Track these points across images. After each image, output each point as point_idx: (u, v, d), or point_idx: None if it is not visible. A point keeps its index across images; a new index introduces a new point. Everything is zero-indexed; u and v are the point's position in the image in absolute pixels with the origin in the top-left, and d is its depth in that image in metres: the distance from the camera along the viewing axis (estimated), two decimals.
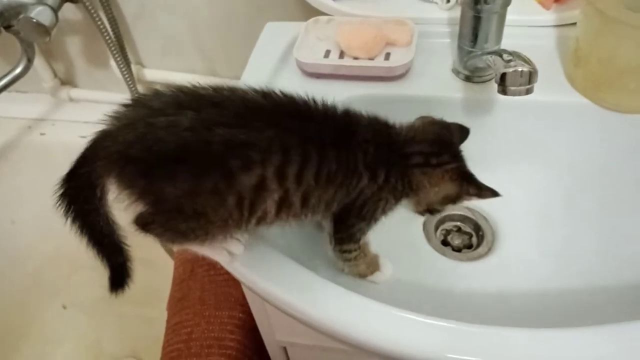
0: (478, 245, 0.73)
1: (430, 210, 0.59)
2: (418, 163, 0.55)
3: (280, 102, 0.51)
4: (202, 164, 0.47)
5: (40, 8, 0.87)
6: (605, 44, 0.63)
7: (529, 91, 0.54)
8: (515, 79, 0.53)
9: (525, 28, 0.74)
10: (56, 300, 1.53)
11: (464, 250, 0.73)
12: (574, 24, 0.72)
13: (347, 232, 0.57)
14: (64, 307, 1.53)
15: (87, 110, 1.27)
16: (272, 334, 0.78)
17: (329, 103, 0.53)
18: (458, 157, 0.57)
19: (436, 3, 0.79)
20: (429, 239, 0.74)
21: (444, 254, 0.72)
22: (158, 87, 1.17)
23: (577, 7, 0.73)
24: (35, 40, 0.88)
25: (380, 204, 0.56)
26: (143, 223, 0.52)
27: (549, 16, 0.75)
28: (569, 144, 0.71)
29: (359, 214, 0.56)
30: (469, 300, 0.67)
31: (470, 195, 0.57)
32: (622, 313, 0.54)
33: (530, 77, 0.53)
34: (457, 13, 0.77)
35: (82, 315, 1.51)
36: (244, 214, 0.49)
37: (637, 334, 0.48)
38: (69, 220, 0.54)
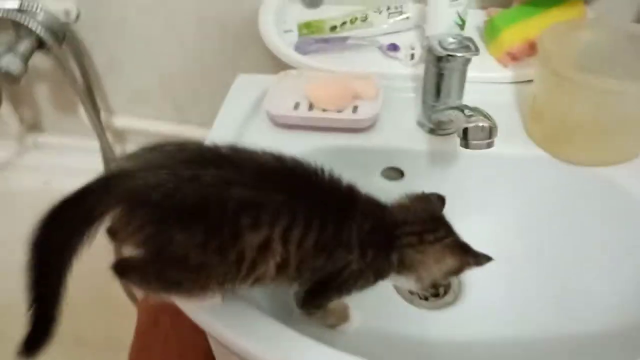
0: (445, 293, 0.74)
1: (434, 286, 0.61)
2: (411, 243, 0.56)
3: (292, 168, 0.53)
4: (217, 220, 0.48)
5: (9, 57, 0.87)
6: (559, 101, 0.66)
7: (489, 145, 0.56)
8: (476, 134, 0.56)
9: (486, 84, 0.78)
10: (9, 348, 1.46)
11: (430, 299, 0.74)
12: (530, 81, 0.76)
13: (319, 302, 0.59)
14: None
15: (53, 156, 1.25)
16: None
17: (334, 175, 0.55)
18: (452, 231, 0.59)
19: (400, 60, 0.83)
20: (396, 288, 0.74)
21: (411, 302, 0.73)
22: (127, 135, 1.19)
23: (532, 66, 0.78)
24: (3, 87, 0.87)
25: (360, 281, 0.57)
26: (125, 268, 0.51)
27: (508, 73, 0.79)
28: (529, 193, 0.73)
29: (337, 286, 0.56)
30: (435, 350, 0.67)
31: (470, 265, 0.58)
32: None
33: (491, 131, 0.55)
34: (420, 70, 0.81)
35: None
36: (243, 271, 0.50)
37: None
38: (33, 244, 0.50)
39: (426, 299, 0.74)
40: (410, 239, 0.56)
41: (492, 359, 0.66)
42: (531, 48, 0.79)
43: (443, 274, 0.58)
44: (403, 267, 0.57)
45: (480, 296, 0.72)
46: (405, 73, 0.82)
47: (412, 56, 0.82)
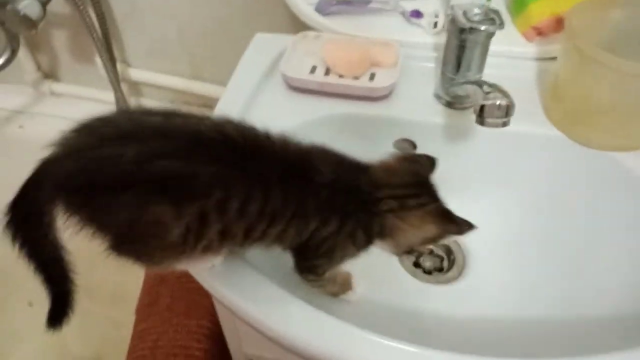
0: (449, 268, 0.74)
1: (409, 252, 0.59)
2: (392, 208, 0.54)
3: (232, 136, 0.50)
4: (141, 195, 0.47)
5: (28, 1, 0.86)
6: (583, 82, 0.64)
7: (505, 124, 0.55)
8: (493, 111, 0.54)
9: (507, 59, 0.76)
10: (22, 296, 1.50)
11: (434, 273, 0.74)
12: (554, 58, 0.74)
13: (307, 266, 0.57)
14: (30, 304, 1.50)
15: (69, 105, 1.26)
16: (239, 346, 0.78)
17: (292, 141, 0.53)
18: (435, 196, 0.56)
19: (423, 27, 0.80)
20: (401, 259, 0.74)
21: (415, 275, 0.73)
22: (143, 88, 1.18)
23: (558, 42, 0.75)
24: (21, 33, 0.87)
25: (337, 249, 0.55)
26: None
27: (531, 49, 0.77)
28: (542, 174, 0.72)
29: (315, 253, 0.55)
30: (435, 324, 0.68)
31: (450, 233, 0.56)
32: (587, 345, 0.55)
33: (508, 110, 0.54)
34: (442, 39, 0.79)
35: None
36: (190, 242, 0.49)
37: None
38: (17, 246, 0.53)
39: (430, 272, 0.74)
40: (390, 204, 0.54)
41: (492, 337, 0.66)
42: (558, 24, 0.76)
43: (421, 241, 0.56)
44: (383, 232, 0.55)
45: (484, 273, 0.72)
46: (427, 42, 0.79)
47: (435, 24, 0.79)
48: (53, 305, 0.59)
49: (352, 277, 0.65)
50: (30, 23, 0.86)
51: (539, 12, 0.75)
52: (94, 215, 0.49)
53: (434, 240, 0.57)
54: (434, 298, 0.71)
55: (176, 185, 0.46)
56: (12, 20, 0.87)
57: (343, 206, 0.52)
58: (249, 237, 0.50)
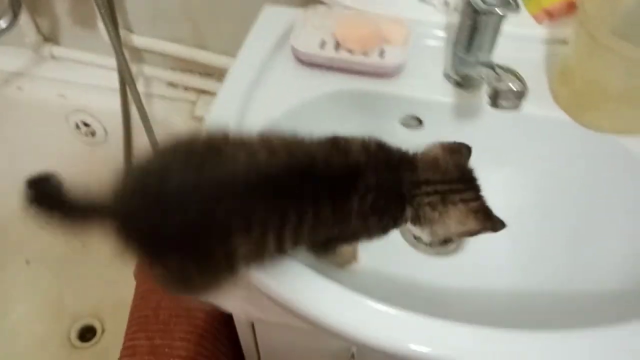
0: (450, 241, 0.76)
1: (443, 240, 0.61)
2: (432, 202, 0.56)
3: (285, 166, 0.50)
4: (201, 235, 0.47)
5: None
6: (593, 67, 0.65)
7: (517, 107, 0.56)
8: (506, 95, 0.55)
9: (517, 40, 0.76)
10: (20, 255, 1.51)
11: (434, 245, 0.76)
12: (564, 41, 0.75)
13: (327, 248, 0.60)
14: (27, 262, 1.52)
15: (69, 69, 1.24)
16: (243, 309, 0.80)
17: (338, 141, 0.54)
18: (478, 192, 0.58)
19: (434, 6, 0.80)
20: (402, 231, 0.76)
21: (415, 247, 0.75)
22: (145, 54, 1.17)
23: (568, 26, 0.76)
24: None
25: (365, 234, 0.57)
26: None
27: (541, 31, 0.77)
28: (546, 155, 0.73)
29: (348, 240, 0.58)
30: (435, 294, 0.70)
31: (487, 229, 0.58)
32: (587, 318, 0.57)
33: (521, 95, 0.55)
34: (454, 18, 0.79)
35: (46, 271, 1.50)
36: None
37: (601, 340, 0.51)
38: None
39: (430, 244, 0.76)
40: (432, 198, 0.56)
41: (491, 308, 0.68)
42: (569, 7, 0.76)
43: (459, 233, 0.59)
44: (417, 221, 0.57)
45: (484, 247, 0.74)
46: (438, 20, 0.79)
47: (447, 3, 0.79)
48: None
49: (358, 249, 0.66)
50: None
51: None
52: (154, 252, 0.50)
53: (470, 234, 0.59)
54: (434, 269, 0.73)
55: (235, 221, 0.47)
56: None
57: (383, 208, 0.54)
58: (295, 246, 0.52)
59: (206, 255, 0.48)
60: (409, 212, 0.56)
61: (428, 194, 0.56)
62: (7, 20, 0.98)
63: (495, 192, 0.74)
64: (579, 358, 0.51)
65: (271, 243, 0.49)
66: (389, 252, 0.73)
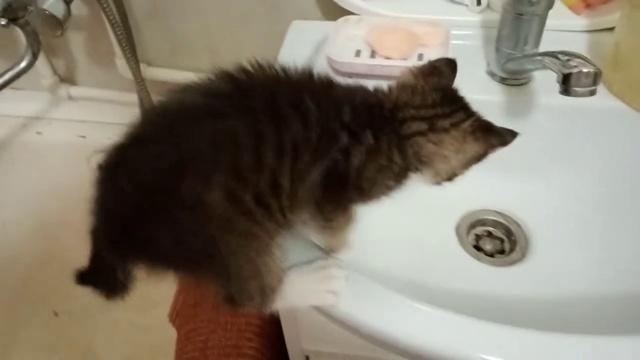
0: (511, 250, 0.72)
1: (450, 178, 0.52)
2: (420, 131, 0.48)
3: (211, 86, 0.46)
4: (160, 209, 0.44)
5: (52, 0, 0.83)
6: None
7: (592, 93, 0.53)
8: (579, 80, 0.52)
9: (558, 32, 0.74)
10: (47, 306, 1.47)
11: (496, 256, 0.72)
12: (606, 29, 0.73)
13: (337, 198, 0.50)
14: (55, 314, 1.48)
15: (87, 108, 1.23)
16: (298, 342, 0.76)
17: (279, 66, 0.48)
18: (469, 110, 0.51)
19: (466, 5, 0.78)
20: (462, 243, 0.72)
21: (478, 258, 0.71)
22: (164, 87, 1.15)
23: (608, 13, 0.74)
24: (46, 34, 0.84)
25: (379, 175, 0.49)
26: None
27: (581, 21, 0.75)
28: (604, 149, 0.70)
29: (355, 184, 0.48)
30: (505, 306, 0.66)
31: (494, 147, 0.50)
32: None
33: (595, 77, 0.52)
34: (487, 16, 0.77)
35: (74, 322, 1.46)
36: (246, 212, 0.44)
37: None
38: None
39: (492, 255, 0.72)
40: (418, 126, 0.49)
41: (560, 317, 0.64)
42: None
43: (464, 163, 0.51)
44: (418, 161, 0.49)
45: (548, 252, 0.70)
46: (471, 19, 0.78)
47: (479, 2, 0.77)
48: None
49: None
50: (55, 23, 0.83)
51: None
52: (149, 254, 0.48)
53: (478, 159, 0.51)
54: (500, 280, 0.69)
55: (181, 172, 0.42)
56: (36, 21, 0.84)
57: (370, 121, 0.47)
58: (295, 185, 0.45)
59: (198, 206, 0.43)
60: (408, 147, 0.49)
61: (410, 120, 0.49)
62: (27, 61, 0.97)
63: (552, 192, 0.71)
64: None
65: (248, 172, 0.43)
66: (450, 265, 0.70)
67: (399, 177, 0.50)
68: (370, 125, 0.47)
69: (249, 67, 0.47)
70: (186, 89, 0.47)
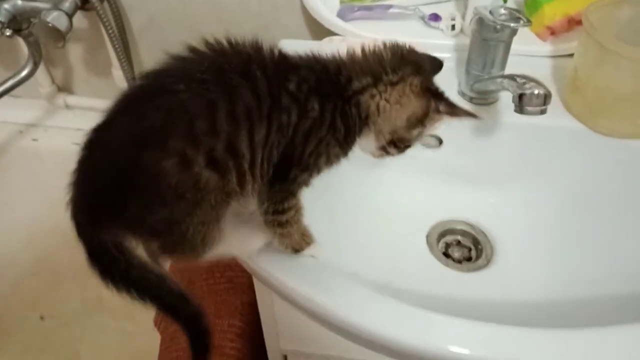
0: (477, 257, 0.77)
1: (395, 143, 0.52)
2: (366, 85, 0.49)
3: (168, 67, 0.49)
4: (126, 178, 0.47)
5: (56, 13, 0.89)
6: (603, 73, 0.69)
7: (543, 112, 0.59)
8: (531, 100, 0.58)
9: (524, 57, 0.80)
10: (34, 311, 1.50)
11: (464, 262, 0.77)
12: (568, 55, 0.79)
13: (286, 187, 0.51)
14: (42, 318, 1.50)
15: (83, 117, 1.27)
16: (277, 341, 0.80)
17: (233, 40, 0.50)
18: (421, 72, 0.51)
19: (441, 30, 0.84)
20: (431, 250, 0.77)
21: (446, 264, 0.76)
22: None
23: (571, 40, 0.80)
24: (48, 45, 0.89)
25: (321, 146, 0.49)
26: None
27: (546, 47, 0.82)
28: (563, 164, 0.76)
29: (299, 162, 0.49)
30: (471, 307, 0.70)
31: (440, 112, 0.51)
32: (613, 320, 0.58)
33: (545, 98, 0.58)
34: (460, 40, 0.83)
35: (61, 327, 1.48)
36: (207, 183, 0.47)
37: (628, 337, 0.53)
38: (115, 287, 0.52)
39: (460, 262, 0.77)
40: (363, 81, 0.49)
41: (520, 316, 0.69)
42: (569, 23, 0.81)
43: (405, 122, 0.51)
44: (363, 120, 0.50)
45: (512, 260, 0.75)
46: (446, 43, 0.84)
47: (453, 27, 0.83)
48: (191, 337, 0.56)
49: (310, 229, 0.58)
50: (58, 35, 0.88)
51: (553, 13, 0.80)
52: (123, 223, 0.50)
53: (420, 120, 0.51)
54: (467, 284, 0.74)
55: (139, 141, 0.46)
56: (40, 32, 0.89)
57: (316, 89, 0.48)
58: (236, 152, 0.47)
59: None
60: (352, 106, 0.49)
61: (356, 78, 0.50)
62: (28, 70, 1.01)
63: (516, 205, 0.77)
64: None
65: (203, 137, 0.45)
66: (420, 271, 0.75)
67: (342, 146, 0.51)
68: (316, 91, 0.48)
69: (198, 46, 0.49)
70: (144, 75, 0.50)
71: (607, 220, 0.73)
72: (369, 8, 0.87)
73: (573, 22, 0.81)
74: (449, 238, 0.80)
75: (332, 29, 0.86)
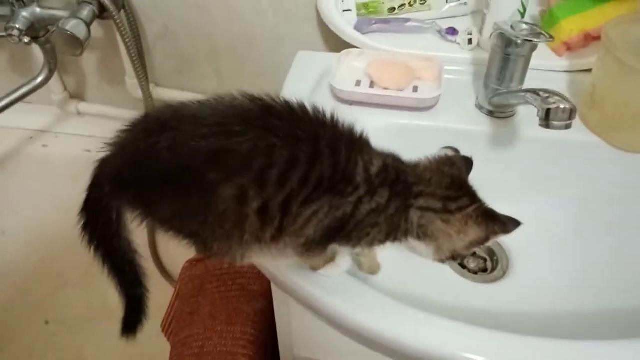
0: (493, 269, 0.78)
1: (454, 257, 0.56)
2: (435, 209, 0.53)
3: (271, 105, 0.50)
4: (182, 182, 0.47)
5: (74, 21, 0.89)
6: (622, 89, 0.70)
7: (568, 126, 0.59)
8: (557, 115, 0.59)
9: (541, 72, 0.81)
10: (39, 315, 1.49)
11: (480, 273, 0.78)
12: (585, 70, 0.80)
13: (323, 240, 0.53)
14: (47, 323, 1.50)
15: (93, 124, 1.27)
16: (291, 348, 0.80)
17: (329, 113, 0.52)
18: (476, 197, 0.55)
19: (458, 44, 0.86)
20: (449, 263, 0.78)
21: (463, 275, 0.77)
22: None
23: (587, 56, 0.81)
24: (67, 53, 0.90)
25: (373, 230, 0.52)
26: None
27: (563, 62, 0.83)
28: (580, 178, 0.77)
29: (348, 236, 0.52)
30: (487, 317, 0.70)
31: (496, 233, 0.54)
32: (631, 332, 0.59)
33: (571, 113, 0.58)
34: (477, 54, 0.84)
35: (65, 331, 1.48)
36: (242, 228, 0.49)
37: None
38: (92, 248, 0.56)
39: (476, 273, 0.78)
40: (433, 203, 0.53)
41: (536, 328, 0.69)
42: (586, 39, 0.82)
43: (466, 245, 0.55)
44: (423, 233, 0.53)
45: (527, 272, 0.76)
46: (463, 57, 0.85)
47: (470, 41, 0.84)
48: (127, 312, 0.61)
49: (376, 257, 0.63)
50: (77, 43, 0.89)
51: (570, 29, 0.81)
52: (150, 209, 0.51)
53: (480, 243, 0.55)
54: (483, 296, 0.74)
55: (215, 162, 0.46)
56: (58, 40, 0.90)
57: (392, 184, 0.52)
58: (289, 205, 0.48)
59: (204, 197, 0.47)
60: (414, 215, 0.53)
61: (428, 195, 0.53)
62: (44, 76, 1.02)
63: (533, 218, 0.77)
64: None
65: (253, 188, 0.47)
66: (437, 281, 0.75)
67: (390, 238, 0.54)
68: (390, 185, 0.52)
69: (305, 107, 0.52)
70: (254, 98, 0.50)
71: (623, 234, 0.74)
72: (386, 21, 0.88)
73: (590, 38, 0.82)
74: None
75: (349, 41, 0.87)
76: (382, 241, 0.54)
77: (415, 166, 0.56)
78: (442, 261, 0.57)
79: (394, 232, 0.54)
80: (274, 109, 0.49)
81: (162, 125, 0.48)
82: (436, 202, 0.53)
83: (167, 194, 0.49)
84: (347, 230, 0.52)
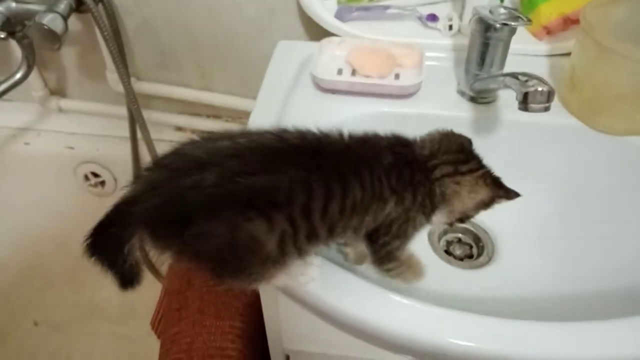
0: (479, 255, 0.78)
1: (461, 219, 0.61)
2: (448, 173, 0.57)
3: (296, 143, 0.52)
4: (230, 216, 0.48)
5: (51, 15, 0.88)
6: (601, 71, 0.70)
7: (547, 108, 0.59)
8: (535, 97, 0.59)
9: (521, 56, 0.81)
10: (27, 316, 1.48)
11: (465, 260, 0.78)
12: (564, 54, 0.80)
13: (383, 251, 0.58)
14: (35, 324, 1.49)
15: (76, 121, 1.26)
16: (280, 342, 0.80)
17: (344, 133, 0.55)
18: (483, 164, 0.60)
19: (439, 30, 0.85)
20: (434, 249, 0.78)
21: (448, 262, 0.77)
22: (151, 101, 1.20)
23: (566, 40, 0.81)
24: (44, 47, 0.88)
25: (409, 223, 0.57)
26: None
27: (543, 46, 0.83)
28: (562, 162, 0.77)
29: (388, 233, 0.56)
30: (474, 303, 0.71)
31: (500, 198, 0.59)
32: (615, 313, 0.59)
33: (549, 95, 0.59)
34: (458, 40, 0.84)
35: (54, 332, 1.48)
36: (285, 251, 0.51)
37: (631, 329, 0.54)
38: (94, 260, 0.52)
39: (461, 259, 0.78)
40: (446, 169, 0.58)
41: (521, 312, 0.70)
42: (565, 23, 0.82)
43: (475, 205, 0.59)
44: (442, 199, 0.58)
45: (513, 257, 0.76)
46: (444, 43, 0.84)
47: (450, 27, 0.84)
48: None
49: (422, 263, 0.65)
50: (54, 37, 0.88)
51: (549, 13, 0.81)
52: (188, 247, 0.50)
53: (486, 205, 0.60)
54: (469, 281, 0.75)
55: (261, 198, 0.48)
56: (35, 35, 0.89)
57: (411, 180, 0.56)
58: (331, 235, 0.52)
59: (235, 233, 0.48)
60: (436, 189, 0.57)
61: (441, 164, 0.57)
62: (22, 73, 1.00)
63: (519, 203, 0.77)
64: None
65: (300, 220, 0.49)
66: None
67: (428, 217, 0.58)
68: (410, 182, 0.56)
69: (328, 133, 0.54)
70: (282, 130, 0.53)
71: (606, 216, 0.74)
72: (366, 9, 0.87)
73: (569, 22, 0.82)
74: (450, 236, 0.81)
75: (330, 29, 0.86)
76: (423, 225, 0.59)
77: (421, 142, 0.60)
78: (450, 224, 0.62)
79: (428, 210, 0.58)
80: (300, 146, 0.52)
81: (199, 163, 0.49)
82: (449, 167, 0.58)
83: (216, 228, 0.48)
84: (385, 230, 0.56)
